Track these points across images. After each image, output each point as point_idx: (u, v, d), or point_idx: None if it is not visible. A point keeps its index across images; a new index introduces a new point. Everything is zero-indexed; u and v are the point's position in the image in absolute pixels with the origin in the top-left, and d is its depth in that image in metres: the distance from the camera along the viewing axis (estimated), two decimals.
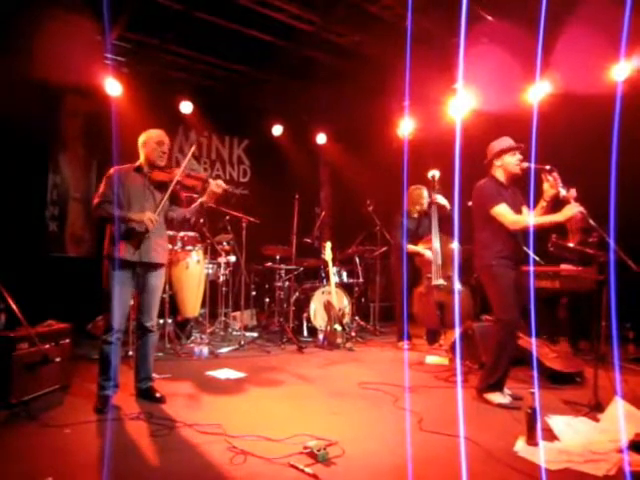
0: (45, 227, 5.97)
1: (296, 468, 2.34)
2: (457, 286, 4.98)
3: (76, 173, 6.25)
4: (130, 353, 4.21)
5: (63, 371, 3.49)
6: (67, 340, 3.55)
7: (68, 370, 3.56)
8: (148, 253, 3.26)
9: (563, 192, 3.26)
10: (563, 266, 4.80)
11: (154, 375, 3.52)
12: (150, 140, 3.35)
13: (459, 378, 3.72)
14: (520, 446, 2.63)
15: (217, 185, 3.35)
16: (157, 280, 3.38)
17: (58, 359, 3.41)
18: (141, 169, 3.37)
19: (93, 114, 6.08)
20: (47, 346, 3.33)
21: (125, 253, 3.19)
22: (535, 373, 3.52)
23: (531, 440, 2.64)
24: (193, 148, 3.67)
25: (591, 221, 3.21)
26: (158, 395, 3.35)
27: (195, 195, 3.55)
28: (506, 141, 3.51)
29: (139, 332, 3.40)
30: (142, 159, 3.38)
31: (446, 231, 5.20)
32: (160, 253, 3.36)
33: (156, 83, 6.39)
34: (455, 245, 5.11)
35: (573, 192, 3.63)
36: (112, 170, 3.30)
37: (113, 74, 5.79)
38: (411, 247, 5.28)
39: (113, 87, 5.78)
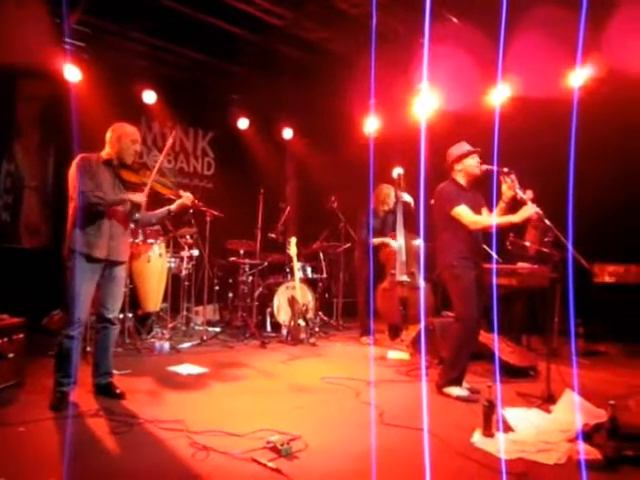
0: None
1: (259, 463, 2.35)
2: (421, 283, 5.09)
3: (32, 161, 5.99)
4: (88, 349, 4.09)
5: (17, 367, 3.36)
6: (21, 335, 3.42)
7: (22, 366, 3.43)
8: (115, 251, 3.25)
9: (520, 194, 3.40)
10: (520, 264, 4.99)
11: (114, 371, 3.45)
12: (126, 137, 3.27)
13: (423, 372, 3.81)
14: (477, 437, 2.73)
15: (187, 198, 3.50)
16: (121, 272, 3.39)
17: (11, 355, 3.29)
18: (110, 163, 3.27)
19: (50, 99, 5.83)
20: None
21: (94, 250, 3.12)
22: (496, 368, 3.64)
23: (487, 431, 2.74)
24: (161, 157, 3.59)
25: (547, 221, 3.35)
26: (118, 391, 3.28)
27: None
28: (464, 146, 3.65)
29: (100, 325, 3.32)
30: (111, 152, 3.26)
31: (410, 228, 5.30)
32: (125, 251, 3.42)
33: (118, 71, 6.16)
34: (419, 242, 5.21)
35: (530, 193, 3.80)
36: (81, 159, 3.15)
37: (72, 59, 5.55)
38: (377, 239, 5.36)
39: (72, 73, 5.54)
